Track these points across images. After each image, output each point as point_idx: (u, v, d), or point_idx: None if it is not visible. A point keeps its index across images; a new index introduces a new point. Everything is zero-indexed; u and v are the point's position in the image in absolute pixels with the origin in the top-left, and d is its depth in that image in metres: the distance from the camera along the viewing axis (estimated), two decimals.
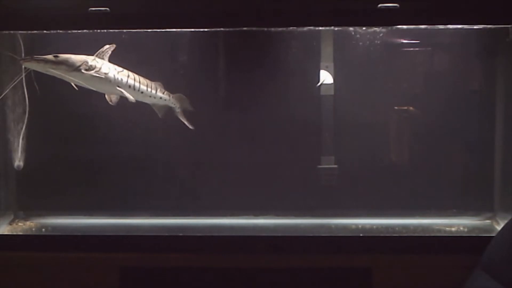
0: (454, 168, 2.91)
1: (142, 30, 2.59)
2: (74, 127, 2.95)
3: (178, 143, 2.94)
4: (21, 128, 2.77)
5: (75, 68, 2.52)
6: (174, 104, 2.85)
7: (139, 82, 2.72)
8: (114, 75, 2.62)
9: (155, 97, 2.79)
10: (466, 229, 2.79)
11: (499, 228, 2.65)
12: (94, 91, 2.63)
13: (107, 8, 2.47)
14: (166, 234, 2.69)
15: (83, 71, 2.53)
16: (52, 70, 2.50)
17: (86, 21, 2.50)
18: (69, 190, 2.96)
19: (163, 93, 2.81)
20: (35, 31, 2.57)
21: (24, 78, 2.68)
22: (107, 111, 2.77)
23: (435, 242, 2.59)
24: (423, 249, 2.56)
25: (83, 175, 2.98)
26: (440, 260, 2.55)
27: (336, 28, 2.68)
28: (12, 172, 2.87)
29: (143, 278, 2.63)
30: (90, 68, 2.55)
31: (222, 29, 2.66)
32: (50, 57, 2.49)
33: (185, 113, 2.88)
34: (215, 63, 2.95)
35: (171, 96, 2.83)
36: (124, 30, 2.67)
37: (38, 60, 2.47)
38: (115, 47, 2.64)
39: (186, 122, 2.86)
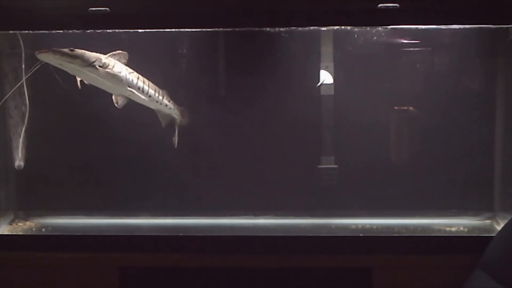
0: (454, 168, 2.90)
1: (142, 30, 2.59)
2: (74, 127, 2.96)
3: (178, 143, 2.93)
4: (22, 128, 2.78)
5: (89, 64, 2.51)
6: (177, 115, 2.85)
7: (148, 85, 2.72)
8: (125, 75, 2.62)
9: (161, 104, 2.79)
10: (466, 229, 2.79)
11: (499, 228, 2.65)
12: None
13: (107, 8, 2.47)
14: (166, 234, 2.69)
15: (97, 67, 2.53)
16: (67, 64, 2.48)
17: (86, 21, 2.50)
18: (69, 190, 2.96)
19: (169, 101, 2.82)
20: (35, 31, 2.57)
21: (23, 77, 2.69)
22: (106, 112, 2.78)
23: (435, 242, 2.59)
24: (423, 249, 2.56)
25: (83, 175, 2.98)
26: (440, 260, 2.55)
27: (336, 28, 2.68)
28: (12, 172, 2.87)
29: (143, 278, 2.63)
30: (104, 65, 2.55)
31: (221, 29, 2.66)
32: (66, 50, 2.47)
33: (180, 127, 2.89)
34: (213, 64, 2.95)
35: (175, 106, 2.84)
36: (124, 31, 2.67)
37: (55, 52, 2.44)
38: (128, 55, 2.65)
39: (175, 137, 2.86)
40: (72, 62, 2.48)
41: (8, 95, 2.73)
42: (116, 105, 2.66)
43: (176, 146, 2.86)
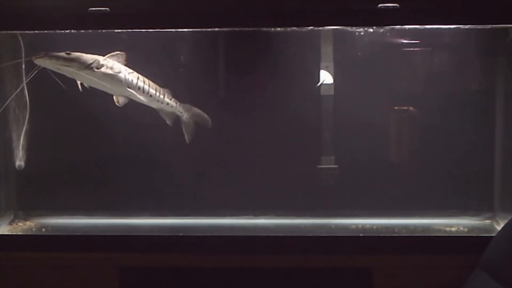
0: (454, 168, 2.90)
1: (142, 30, 2.59)
2: (74, 127, 2.95)
3: (179, 143, 2.93)
4: (22, 128, 2.78)
5: (86, 66, 2.51)
6: (181, 113, 2.85)
7: (149, 85, 2.72)
8: (125, 75, 2.62)
9: (162, 102, 2.78)
10: (466, 229, 2.79)
11: (499, 228, 2.65)
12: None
13: (107, 8, 2.47)
14: (166, 234, 2.70)
15: (94, 69, 2.52)
16: (64, 68, 2.48)
17: (86, 21, 2.50)
18: (69, 190, 2.96)
19: (170, 99, 2.81)
20: (35, 31, 2.57)
21: (24, 79, 2.68)
22: (106, 112, 2.78)
23: (435, 242, 2.59)
24: (423, 249, 2.56)
25: (83, 175, 2.98)
26: (440, 260, 2.55)
27: (336, 28, 2.68)
28: (12, 172, 2.87)
29: (143, 278, 2.63)
30: (102, 67, 2.55)
31: (221, 29, 2.66)
32: (62, 54, 2.47)
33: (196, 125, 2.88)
34: (212, 64, 2.95)
35: (178, 104, 2.83)
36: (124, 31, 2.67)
37: (51, 57, 2.45)
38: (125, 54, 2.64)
39: (186, 134, 2.86)
40: (69, 66, 2.48)
41: (9, 100, 2.72)
42: (117, 104, 2.65)
43: (187, 141, 2.86)
